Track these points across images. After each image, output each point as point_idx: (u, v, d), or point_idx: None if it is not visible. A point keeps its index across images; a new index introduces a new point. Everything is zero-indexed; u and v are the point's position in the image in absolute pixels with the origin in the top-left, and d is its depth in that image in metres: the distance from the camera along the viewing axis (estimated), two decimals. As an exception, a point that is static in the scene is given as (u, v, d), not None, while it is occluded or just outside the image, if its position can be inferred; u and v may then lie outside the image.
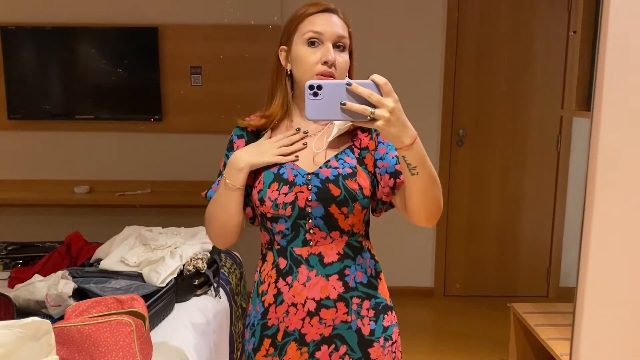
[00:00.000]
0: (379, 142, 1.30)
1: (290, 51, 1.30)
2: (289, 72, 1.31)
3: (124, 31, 3.58)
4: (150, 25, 3.56)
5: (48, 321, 1.26)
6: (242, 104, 3.48)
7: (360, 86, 1.05)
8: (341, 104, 1.05)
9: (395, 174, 1.26)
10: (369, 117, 1.05)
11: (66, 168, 3.74)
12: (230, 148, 1.35)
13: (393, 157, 1.27)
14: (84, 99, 3.69)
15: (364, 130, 1.32)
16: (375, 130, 1.31)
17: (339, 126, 1.28)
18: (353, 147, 1.31)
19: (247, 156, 1.26)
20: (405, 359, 2.91)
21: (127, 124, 3.70)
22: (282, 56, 1.32)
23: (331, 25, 1.27)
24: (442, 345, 3.26)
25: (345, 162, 1.28)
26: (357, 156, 1.30)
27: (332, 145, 1.31)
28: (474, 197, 3.85)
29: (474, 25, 3.67)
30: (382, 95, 1.05)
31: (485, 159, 3.81)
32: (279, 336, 1.30)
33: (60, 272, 1.81)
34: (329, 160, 1.28)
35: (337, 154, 1.29)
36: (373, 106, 1.05)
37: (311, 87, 1.06)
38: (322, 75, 1.24)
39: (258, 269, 1.37)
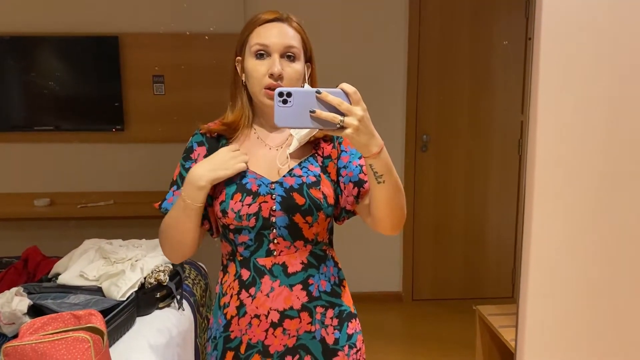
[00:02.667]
0: (342, 151, 1.30)
1: (243, 62, 1.29)
2: (244, 83, 1.31)
3: (84, 40, 3.52)
4: (111, 35, 3.51)
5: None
6: (206, 112, 3.42)
7: (330, 94, 1.05)
8: (310, 111, 1.05)
9: (359, 183, 1.26)
10: (338, 125, 1.05)
11: (25, 180, 3.64)
12: (188, 157, 1.31)
13: (357, 166, 1.27)
14: (43, 110, 3.60)
15: (326, 139, 1.32)
16: (338, 138, 1.32)
17: (298, 139, 1.27)
18: (316, 155, 1.31)
19: (207, 172, 1.20)
20: (374, 364, 2.92)
21: (89, 134, 3.63)
22: (238, 67, 1.31)
23: (279, 36, 1.24)
24: (411, 350, 3.27)
25: (309, 170, 1.27)
26: (321, 164, 1.29)
27: (295, 154, 1.29)
28: (439, 202, 3.89)
29: (435, 32, 3.72)
30: (351, 104, 1.05)
31: (449, 164, 3.86)
32: (242, 348, 1.28)
33: (14, 289, 1.75)
34: (292, 169, 1.27)
35: (301, 162, 1.28)
36: (342, 114, 1.05)
37: (280, 94, 1.06)
38: (269, 89, 1.22)
39: (219, 280, 1.35)
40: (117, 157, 3.67)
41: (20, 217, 3.49)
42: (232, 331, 1.29)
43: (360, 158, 1.28)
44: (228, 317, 1.29)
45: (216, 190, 1.26)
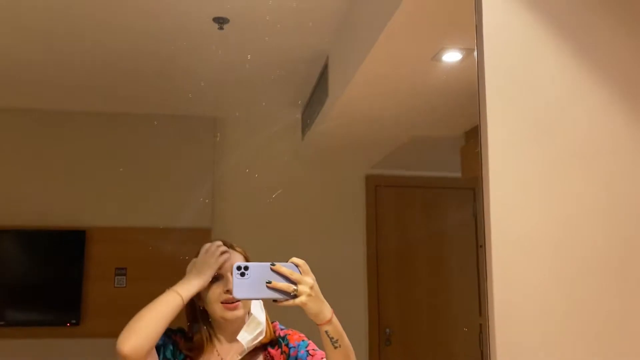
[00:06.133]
0: (290, 348, 1.43)
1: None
2: (201, 309, 1.40)
3: (48, 234, 3.54)
4: (78, 229, 3.55)
5: None
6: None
7: (283, 266, 1.24)
8: (267, 282, 1.21)
9: None
10: (292, 294, 1.22)
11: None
12: None
13: (304, 352, 1.40)
14: (-5, 304, 3.49)
15: (272, 344, 1.44)
16: (284, 339, 1.44)
17: (246, 344, 1.42)
18: None
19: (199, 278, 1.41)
20: None
21: (41, 330, 3.48)
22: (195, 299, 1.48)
23: (229, 260, 1.47)
24: None
25: None
26: None
27: None
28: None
29: (391, 232, 3.93)
30: (301, 274, 1.23)
31: (415, 356, 3.83)
32: None
33: None
34: None
35: None
36: (295, 284, 1.22)
37: (239, 267, 1.24)
38: (226, 302, 1.42)
39: None
40: (69, 353, 3.50)
41: None
42: None
43: (306, 347, 1.41)
44: None
45: None
